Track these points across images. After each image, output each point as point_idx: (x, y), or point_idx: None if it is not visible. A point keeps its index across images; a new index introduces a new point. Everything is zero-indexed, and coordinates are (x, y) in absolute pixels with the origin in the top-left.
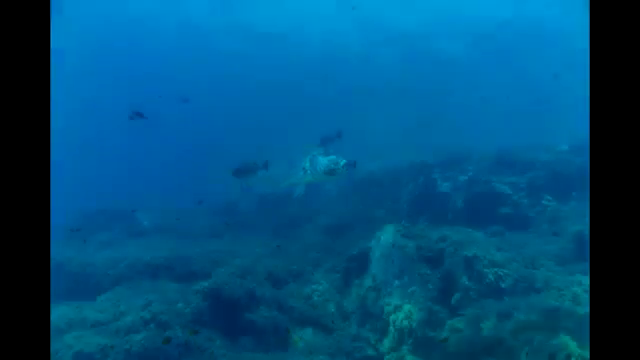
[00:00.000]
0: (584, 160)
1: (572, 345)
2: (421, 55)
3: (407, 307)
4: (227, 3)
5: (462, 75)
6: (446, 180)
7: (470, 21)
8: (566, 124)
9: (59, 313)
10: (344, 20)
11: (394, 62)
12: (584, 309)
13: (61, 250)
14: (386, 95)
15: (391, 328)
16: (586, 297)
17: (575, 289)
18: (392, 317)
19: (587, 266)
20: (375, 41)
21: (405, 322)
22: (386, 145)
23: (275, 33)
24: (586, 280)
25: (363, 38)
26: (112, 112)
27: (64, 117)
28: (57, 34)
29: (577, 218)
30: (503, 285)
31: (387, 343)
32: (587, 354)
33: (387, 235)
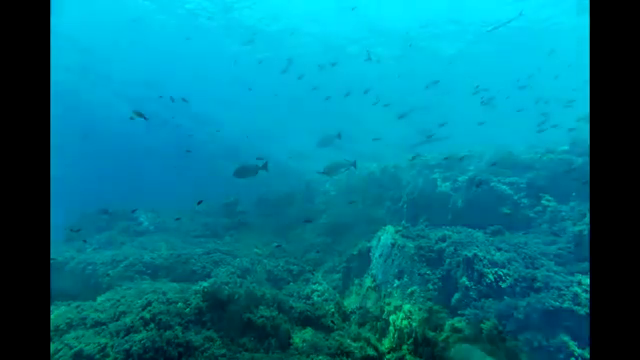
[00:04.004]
0: (584, 160)
1: (572, 345)
2: (421, 55)
3: (407, 307)
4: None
5: (462, 75)
6: (446, 180)
7: (471, 20)
8: (567, 124)
9: (59, 313)
10: (343, 20)
11: (393, 62)
12: (584, 309)
13: (61, 250)
14: (385, 95)
15: (391, 328)
16: (586, 297)
17: (575, 289)
18: (392, 317)
19: (587, 266)
20: (375, 41)
21: (405, 322)
22: (386, 146)
23: (274, 32)
24: (586, 280)
25: (362, 39)
26: (112, 112)
27: (64, 117)
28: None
29: (577, 218)
30: (503, 285)
31: (387, 343)
32: (587, 354)
33: (387, 235)
